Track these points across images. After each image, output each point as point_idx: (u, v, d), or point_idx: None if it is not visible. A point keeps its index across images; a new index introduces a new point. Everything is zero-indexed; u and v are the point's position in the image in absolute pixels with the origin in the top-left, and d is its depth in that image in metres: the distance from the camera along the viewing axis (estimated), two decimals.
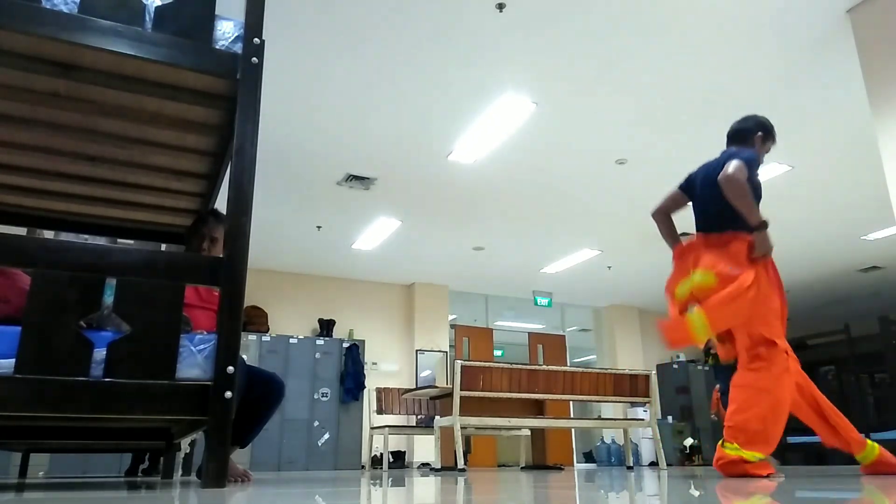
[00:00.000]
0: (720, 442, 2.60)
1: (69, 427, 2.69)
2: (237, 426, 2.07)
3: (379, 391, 6.73)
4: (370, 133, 5.58)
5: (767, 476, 2.44)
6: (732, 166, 2.64)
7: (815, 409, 2.67)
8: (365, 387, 8.76)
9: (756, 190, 2.75)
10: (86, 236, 2.98)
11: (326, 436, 8.56)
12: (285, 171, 6.29)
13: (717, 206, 2.77)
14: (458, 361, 4.85)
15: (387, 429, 6.45)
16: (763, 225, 2.64)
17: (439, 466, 5.41)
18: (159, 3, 1.96)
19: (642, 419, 8.24)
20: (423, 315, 10.03)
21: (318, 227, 7.83)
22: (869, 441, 2.65)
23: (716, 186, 2.73)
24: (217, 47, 1.99)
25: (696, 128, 5.51)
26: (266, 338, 8.72)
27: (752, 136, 2.92)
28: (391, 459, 8.52)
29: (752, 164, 2.70)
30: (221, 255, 2.19)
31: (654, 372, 5.75)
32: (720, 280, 2.64)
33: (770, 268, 2.73)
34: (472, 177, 6.43)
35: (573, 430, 10.92)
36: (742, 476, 2.50)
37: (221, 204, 2.21)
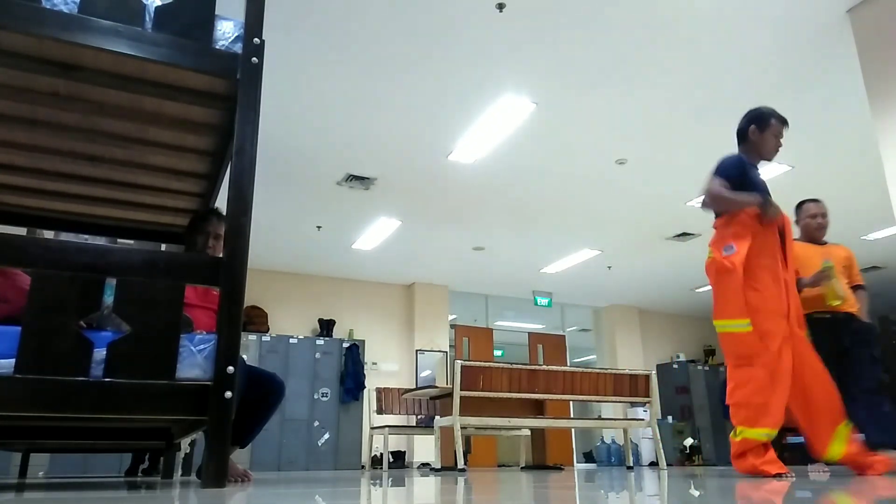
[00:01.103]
0: (731, 433, 2.63)
1: (69, 427, 2.69)
2: (237, 426, 2.07)
3: (379, 391, 6.73)
4: (370, 133, 5.58)
5: (776, 476, 2.45)
6: (704, 187, 2.82)
7: (801, 390, 2.62)
8: (365, 387, 8.76)
9: (756, 186, 2.82)
10: (86, 236, 2.98)
11: (326, 436, 8.56)
12: (285, 171, 6.29)
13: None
14: (458, 361, 4.85)
15: (387, 429, 6.45)
16: (764, 202, 2.73)
17: (439, 466, 5.41)
18: (159, 3, 1.96)
19: (642, 419, 8.24)
20: (423, 315, 10.03)
21: (318, 227, 7.82)
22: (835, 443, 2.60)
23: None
24: (217, 47, 2.00)
25: (695, 128, 5.51)
26: (266, 338, 8.71)
27: (746, 133, 2.97)
28: (391, 459, 8.52)
29: (730, 171, 2.80)
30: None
31: (654, 372, 5.74)
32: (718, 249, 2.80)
33: (769, 234, 2.77)
34: (472, 177, 6.43)
35: (573, 430, 10.92)
36: (753, 475, 2.52)
37: (221, 204, 2.21)
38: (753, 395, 2.56)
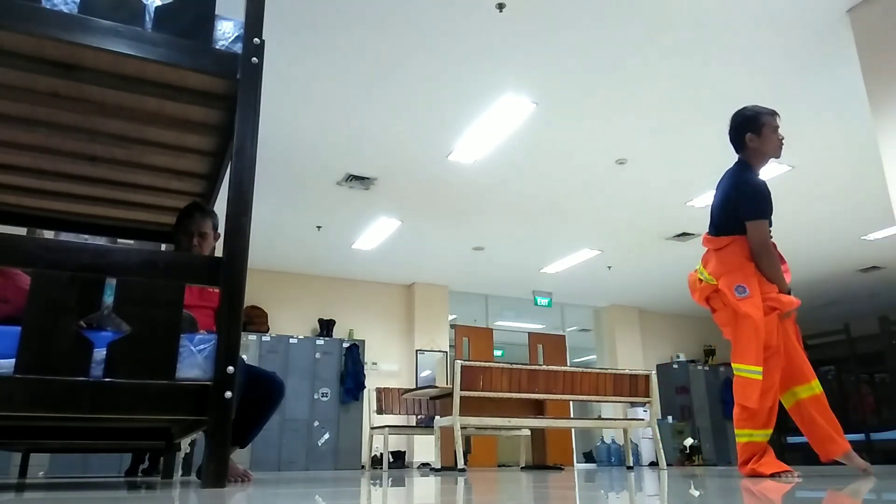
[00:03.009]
0: (739, 439, 2.65)
1: (69, 427, 2.69)
2: (237, 426, 2.07)
3: (379, 391, 6.73)
4: (370, 133, 5.58)
5: (772, 476, 2.45)
6: (750, 232, 2.70)
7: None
8: (365, 387, 8.76)
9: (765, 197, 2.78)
10: (86, 236, 2.98)
11: (326, 436, 8.56)
12: (285, 171, 6.29)
13: (721, 213, 2.81)
14: (458, 361, 4.85)
15: (387, 429, 6.45)
16: (788, 291, 2.71)
17: (439, 466, 5.41)
18: (159, 3, 1.96)
19: (642, 419, 8.24)
20: (423, 315, 10.03)
21: (318, 227, 7.83)
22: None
23: (722, 195, 2.81)
24: (217, 47, 2.00)
25: (695, 128, 5.51)
26: (266, 338, 8.71)
27: (743, 142, 2.85)
28: (391, 459, 8.52)
29: (767, 208, 2.72)
30: (212, 250, 2.19)
31: (654, 372, 5.74)
32: (723, 296, 2.73)
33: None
34: (472, 177, 6.43)
35: (573, 430, 10.92)
36: (752, 476, 2.53)
37: (221, 204, 2.21)
38: (765, 402, 2.59)
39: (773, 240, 2.81)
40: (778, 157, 2.88)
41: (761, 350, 2.59)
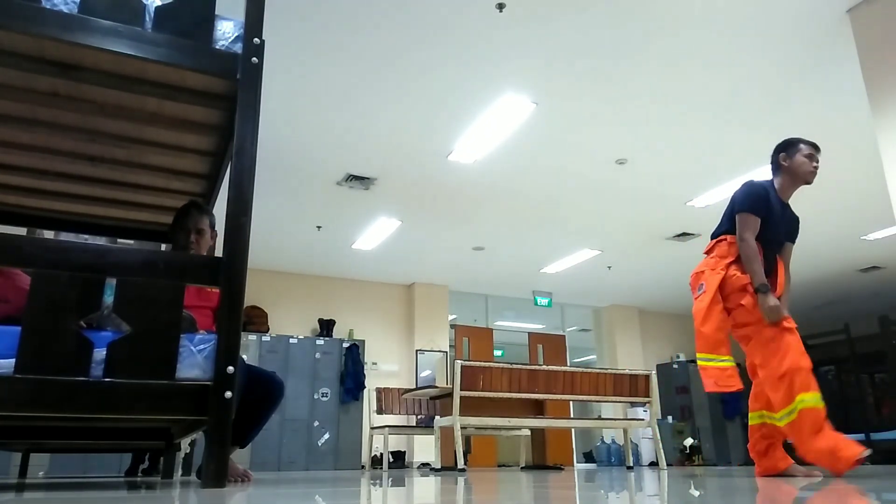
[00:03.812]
0: (781, 414, 2.65)
1: (69, 427, 2.68)
2: (237, 426, 2.07)
3: (379, 391, 6.73)
4: (370, 133, 5.58)
5: (778, 473, 2.48)
6: (738, 228, 2.84)
7: None
8: (365, 387, 8.76)
9: (775, 222, 2.87)
10: (86, 236, 2.98)
11: (326, 436, 8.56)
12: (285, 171, 6.29)
13: (722, 217, 3.01)
14: (458, 361, 4.85)
15: (387, 429, 6.45)
16: (762, 287, 2.72)
17: (439, 466, 5.41)
18: (159, 3, 1.96)
19: (642, 419, 8.24)
20: (423, 315, 10.03)
21: (318, 227, 7.82)
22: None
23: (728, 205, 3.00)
24: (217, 47, 2.00)
25: (696, 127, 5.51)
26: (266, 338, 8.71)
27: (777, 162, 3.02)
28: (391, 459, 8.51)
29: (757, 205, 2.85)
30: (210, 248, 2.20)
31: (654, 372, 5.74)
32: (694, 289, 2.93)
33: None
34: (472, 177, 6.43)
35: (573, 430, 10.92)
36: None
37: (221, 204, 2.21)
38: (802, 357, 2.60)
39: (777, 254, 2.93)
40: (809, 182, 2.99)
41: (709, 340, 2.74)
